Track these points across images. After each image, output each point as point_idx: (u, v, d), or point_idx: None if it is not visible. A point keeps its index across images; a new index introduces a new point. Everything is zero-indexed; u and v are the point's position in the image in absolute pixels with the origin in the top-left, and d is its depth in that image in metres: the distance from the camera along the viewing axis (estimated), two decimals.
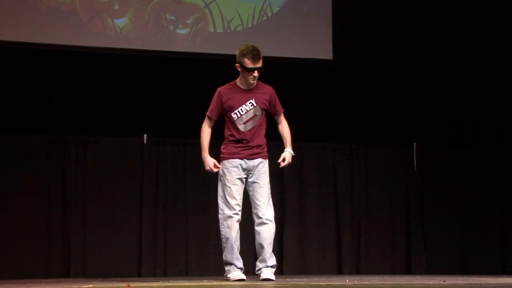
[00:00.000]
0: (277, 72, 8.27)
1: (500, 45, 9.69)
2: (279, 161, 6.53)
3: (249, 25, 9.20)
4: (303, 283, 6.05)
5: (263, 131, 6.52)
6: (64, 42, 8.69)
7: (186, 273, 8.51)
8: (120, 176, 8.52)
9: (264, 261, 6.43)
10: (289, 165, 6.60)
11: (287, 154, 6.52)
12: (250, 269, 6.98)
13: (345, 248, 8.96)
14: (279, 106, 6.59)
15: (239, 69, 6.44)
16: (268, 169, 6.51)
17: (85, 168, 8.41)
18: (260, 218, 6.41)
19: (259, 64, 6.38)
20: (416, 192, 9.24)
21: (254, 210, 6.46)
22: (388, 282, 6.12)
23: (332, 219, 8.99)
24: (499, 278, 7.01)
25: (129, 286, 5.70)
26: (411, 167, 9.27)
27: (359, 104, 9.61)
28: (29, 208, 8.22)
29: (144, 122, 8.89)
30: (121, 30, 8.88)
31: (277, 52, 8.92)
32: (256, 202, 6.43)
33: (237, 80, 6.51)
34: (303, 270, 8.78)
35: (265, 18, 9.27)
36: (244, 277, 6.41)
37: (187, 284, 6.15)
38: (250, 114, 6.43)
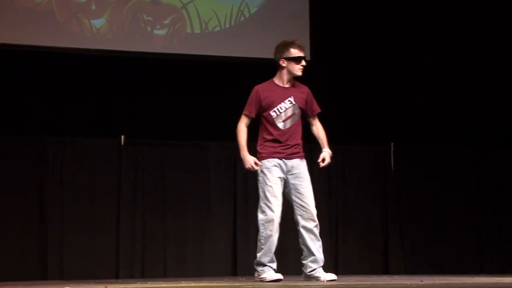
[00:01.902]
0: (255, 73, 8.24)
1: (477, 46, 9.74)
2: (318, 161, 6.42)
3: (227, 25, 9.18)
4: (280, 283, 6.05)
5: (300, 130, 6.40)
6: (41, 43, 8.63)
7: (164, 274, 8.49)
8: (98, 177, 8.49)
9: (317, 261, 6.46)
10: (328, 164, 6.49)
11: (326, 154, 6.42)
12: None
13: (322, 248, 8.95)
14: (316, 106, 6.50)
15: (284, 64, 6.33)
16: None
17: (62, 169, 8.38)
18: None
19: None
20: (394, 192, 9.28)
21: (298, 211, 6.33)
22: (366, 282, 6.13)
23: None
24: (476, 278, 7.05)
25: (106, 287, 5.68)
26: (388, 167, 9.31)
27: (336, 105, 9.61)
28: (5, 209, 8.16)
29: (122, 123, 8.84)
30: (98, 31, 8.84)
31: (254, 53, 8.84)
32: (303, 202, 6.31)
33: (275, 78, 6.41)
34: (281, 270, 8.73)
35: (242, 18, 9.24)
36: (281, 276, 6.22)
37: (164, 285, 6.13)
38: (289, 112, 6.32)
